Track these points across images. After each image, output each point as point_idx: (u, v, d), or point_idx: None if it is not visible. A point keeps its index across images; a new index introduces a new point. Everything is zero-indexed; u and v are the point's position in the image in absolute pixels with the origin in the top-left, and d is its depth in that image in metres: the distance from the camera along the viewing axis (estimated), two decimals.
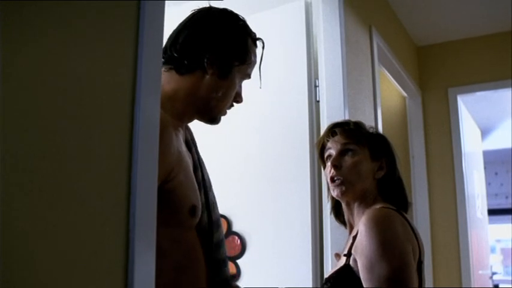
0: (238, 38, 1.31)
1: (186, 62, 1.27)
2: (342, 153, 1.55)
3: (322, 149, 1.62)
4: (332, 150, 1.57)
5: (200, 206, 1.25)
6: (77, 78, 0.92)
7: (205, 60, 1.26)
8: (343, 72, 2.40)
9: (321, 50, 2.46)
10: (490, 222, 5.04)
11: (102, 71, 0.98)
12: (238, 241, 2.44)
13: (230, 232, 2.46)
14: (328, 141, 1.60)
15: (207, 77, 1.27)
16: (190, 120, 1.36)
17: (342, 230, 1.72)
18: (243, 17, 1.37)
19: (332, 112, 2.35)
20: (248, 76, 1.37)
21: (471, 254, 3.74)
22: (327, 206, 2.28)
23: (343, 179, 1.51)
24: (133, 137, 1.02)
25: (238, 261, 2.43)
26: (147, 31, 1.07)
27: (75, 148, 0.90)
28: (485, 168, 5.01)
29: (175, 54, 1.28)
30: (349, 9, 2.62)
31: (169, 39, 1.31)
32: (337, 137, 1.57)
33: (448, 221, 3.80)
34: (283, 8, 2.54)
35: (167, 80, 1.27)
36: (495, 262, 8.39)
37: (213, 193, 1.38)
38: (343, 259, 1.45)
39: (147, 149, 1.03)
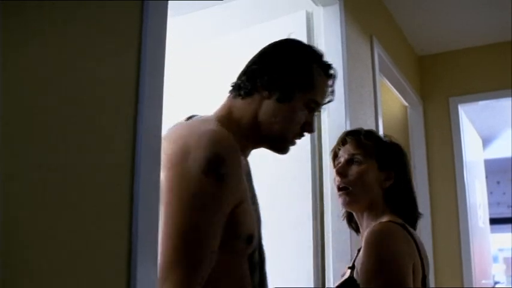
0: (302, 64, 1.30)
1: (248, 84, 1.28)
2: (348, 162, 1.56)
3: (335, 157, 1.64)
4: (341, 158, 1.58)
5: (256, 236, 1.24)
6: (78, 81, 0.92)
7: (266, 82, 1.26)
8: (344, 81, 2.41)
9: None
10: (493, 231, 5.02)
11: (104, 74, 0.99)
12: None
13: None
14: (339, 150, 1.61)
15: (267, 100, 1.26)
16: (255, 147, 1.34)
17: (344, 245, 1.72)
18: (320, 50, 1.37)
19: (333, 122, 2.36)
20: (316, 104, 1.31)
21: (473, 264, 3.72)
22: (328, 220, 2.28)
23: (348, 188, 1.53)
24: (136, 142, 1.03)
25: None
26: (150, 33, 1.08)
27: (76, 153, 0.91)
28: (487, 177, 5.00)
29: (241, 80, 1.30)
30: (350, 19, 2.64)
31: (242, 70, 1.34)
32: (347, 146, 1.59)
33: (450, 231, 3.79)
34: (284, 18, 2.56)
35: (233, 106, 1.29)
36: (498, 272, 8.35)
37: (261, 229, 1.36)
38: (348, 271, 1.47)
39: (149, 157, 1.04)
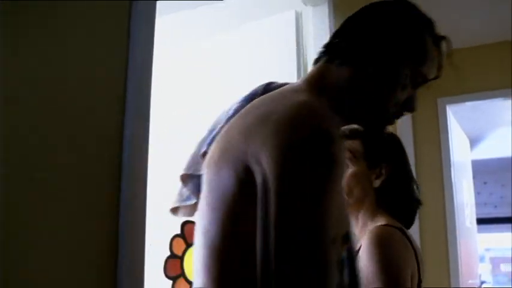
0: (414, 33, 1.11)
1: (346, 48, 1.09)
2: None
3: None
4: None
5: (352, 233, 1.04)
6: (74, 81, 0.93)
7: (369, 48, 1.07)
8: None
9: (311, 61, 2.46)
10: (479, 231, 5.06)
11: (94, 74, 0.99)
12: None
13: None
14: None
15: (368, 69, 1.06)
16: (348, 123, 1.15)
17: None
18: (429, 15, 1.18)
19: None
20: (423, 80, 1.12)
21: (460, 264, 3.75)
22: None
23: None
24: (124, 141, 1.03)
25: None
26: (137, 33, 1.08)
27: (75, 154, 0.91)
28: (474, 177, 5.03)
29: (338, 42, 1.13)
30: (340, 19, 2.62)
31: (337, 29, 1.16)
32: None
33: (437, 230, 3.81)
34: (273, 18, 2.55)
35: (327, 72, 1.10)
36: (484, 271, 8.42)
37: None
38: None
39: (136, 156, 1.04)
